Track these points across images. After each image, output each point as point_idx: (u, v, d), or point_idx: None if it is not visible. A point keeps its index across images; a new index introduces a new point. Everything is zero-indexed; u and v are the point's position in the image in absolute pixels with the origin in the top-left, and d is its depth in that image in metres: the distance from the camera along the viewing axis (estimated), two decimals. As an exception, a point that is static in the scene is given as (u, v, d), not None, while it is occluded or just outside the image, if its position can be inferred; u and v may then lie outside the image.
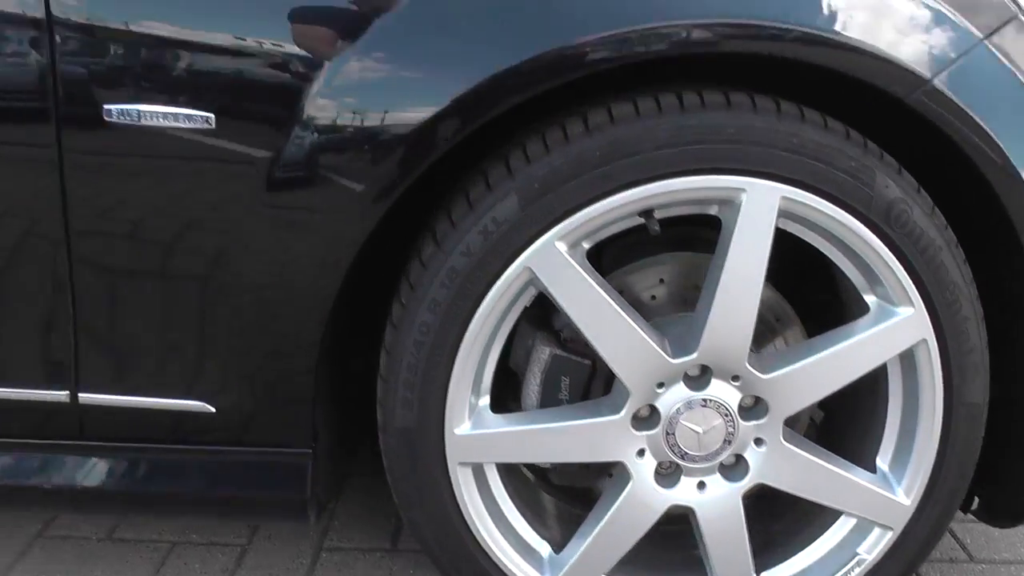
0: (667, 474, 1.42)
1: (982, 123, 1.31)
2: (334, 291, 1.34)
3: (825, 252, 1.38)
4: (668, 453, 1.39)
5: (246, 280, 1.34)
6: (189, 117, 1.29)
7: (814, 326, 1.53)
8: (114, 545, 1.75)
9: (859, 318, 1.40)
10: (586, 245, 1.34)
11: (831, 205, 1.32)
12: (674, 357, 1.36)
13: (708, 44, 1.28)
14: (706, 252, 1.44)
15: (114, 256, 1.36)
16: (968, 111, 1.31)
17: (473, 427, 1.38)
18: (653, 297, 1.47)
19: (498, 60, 1.26)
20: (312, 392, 1.40)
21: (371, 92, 1.28)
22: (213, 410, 1.41)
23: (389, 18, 1.26)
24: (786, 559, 1.49)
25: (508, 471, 1.46)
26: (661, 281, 1.46)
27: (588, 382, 1.43)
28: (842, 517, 1.48)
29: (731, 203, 1.32)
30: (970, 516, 1.56)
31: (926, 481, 1.42)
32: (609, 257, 1.49)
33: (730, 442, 1.39)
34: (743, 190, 1.31)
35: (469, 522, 1.42)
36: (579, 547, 1.43)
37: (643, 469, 1.40)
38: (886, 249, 1.34)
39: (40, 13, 1.28)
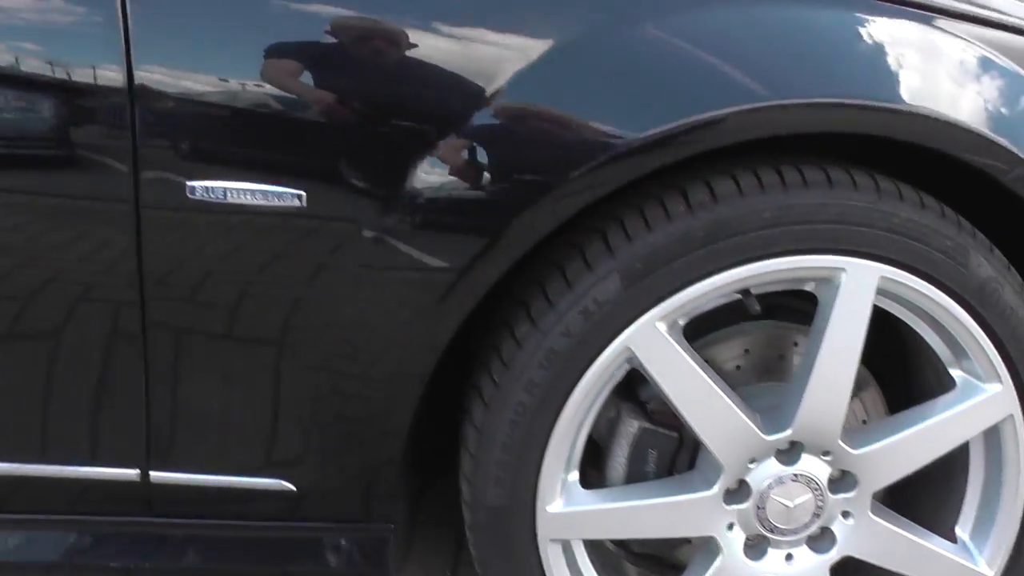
0: (754, 546, 1.42)
1: None
2: (428, 372, 1.31)
3: (914, 327, 1.38)
4: (758, 527, 1.39)
5: (335, 361, 1.30)
6: (279, 195, 1.23)
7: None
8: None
9: (939, 390, 1.40)
10: (681, 322, 1.33)
11: (927, 284, 1.33)
12: (768, 434, 1.35)
13: (821, 124, 1.27)
14: (788, 321, 1.46)
15: (192, 334, 1.30)
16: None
17: (566, 504, 1.36)
18: (738, 367, 1.46)
19: (610, 146, 1.22)
20: (400, 468, 1.37)
21: (475, 170, 1.23)
22: (293, 488, 1.37)
23: (496, 98, 1.22)
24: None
25: (592, 543, 1.45)
26: (746, 351, 1.45)
27: (674, 454, 1.42)
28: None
29: (830, 281, 1.31)
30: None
31: (1009, 551, 1.44)
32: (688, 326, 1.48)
33: (819, 515, 1.39)
34: (843, 270, 1.30)
35: (558, 596, 1.42)
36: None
37: (733, 542, 1.39)
38: (977, 326, 1.35)
39: (121, 83, 1.20)
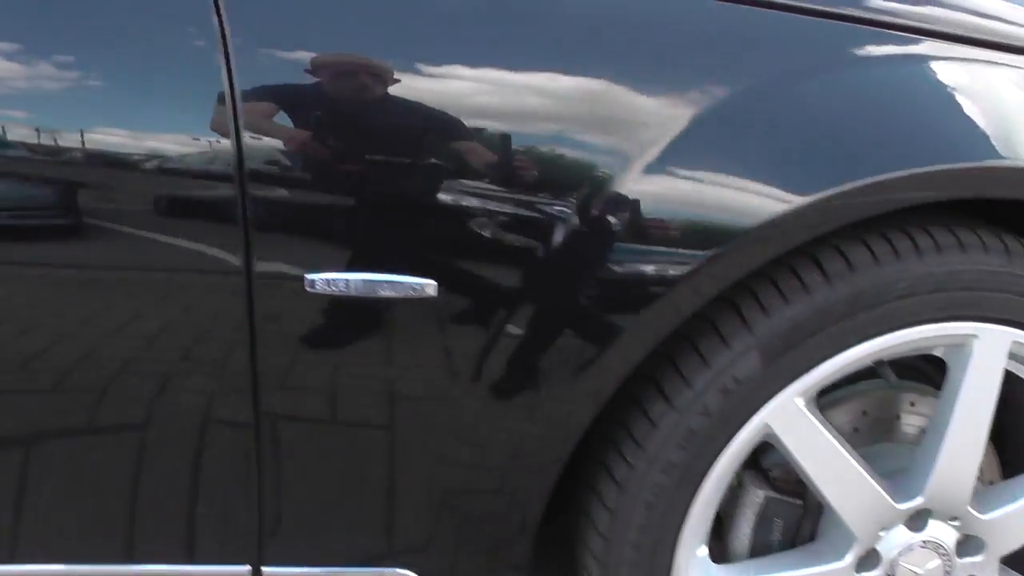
0: (883, 611, 1.41)
1: None
2: (564, 457, 1.26)
3: (1041, 389, 1.38)
4: (888, 595, 1.39)
5: (464, 454, 1.25)
6: (409, 286, 1.17)
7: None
8: None
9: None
10: (815, 394, 1.31)
11: (1057, 347, 1.33)
12: (899, 502, 1.33)
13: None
14: (904, 379, 1.45)
15: (310, 427, 1.23)
16: None
17: (700, 583, 1.34)
18: (855, 430, 1.44)
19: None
20: (530, 554, 1.32)
21: (622, 257, 1.18)
22: (414, 576, 1.32)
23: (648, 183, 1.18)
24: None
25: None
26: (864, 413, 1.44)
27: (799, 522, 1.40)
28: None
29: (961, 347, 1.30)
30: None
31: None
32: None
33: (947, 580, 1.39)
34: (975, 336, 1.29)
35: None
36: None
37: (864, 611, 1.39)
38: (1103, 388, 1.36)
39: (231, 169, 1.13)
